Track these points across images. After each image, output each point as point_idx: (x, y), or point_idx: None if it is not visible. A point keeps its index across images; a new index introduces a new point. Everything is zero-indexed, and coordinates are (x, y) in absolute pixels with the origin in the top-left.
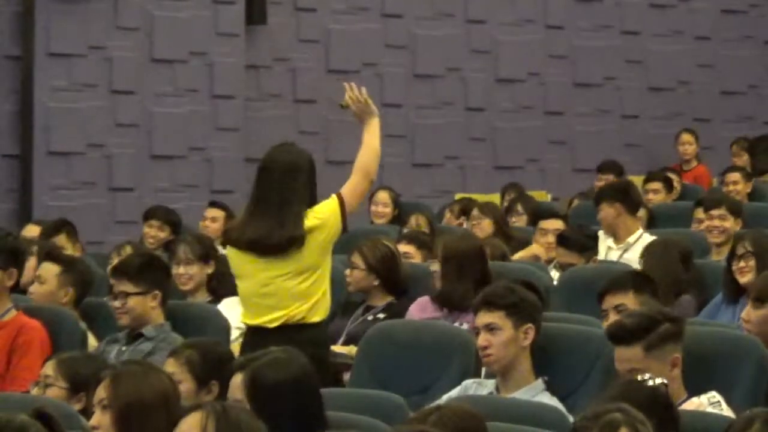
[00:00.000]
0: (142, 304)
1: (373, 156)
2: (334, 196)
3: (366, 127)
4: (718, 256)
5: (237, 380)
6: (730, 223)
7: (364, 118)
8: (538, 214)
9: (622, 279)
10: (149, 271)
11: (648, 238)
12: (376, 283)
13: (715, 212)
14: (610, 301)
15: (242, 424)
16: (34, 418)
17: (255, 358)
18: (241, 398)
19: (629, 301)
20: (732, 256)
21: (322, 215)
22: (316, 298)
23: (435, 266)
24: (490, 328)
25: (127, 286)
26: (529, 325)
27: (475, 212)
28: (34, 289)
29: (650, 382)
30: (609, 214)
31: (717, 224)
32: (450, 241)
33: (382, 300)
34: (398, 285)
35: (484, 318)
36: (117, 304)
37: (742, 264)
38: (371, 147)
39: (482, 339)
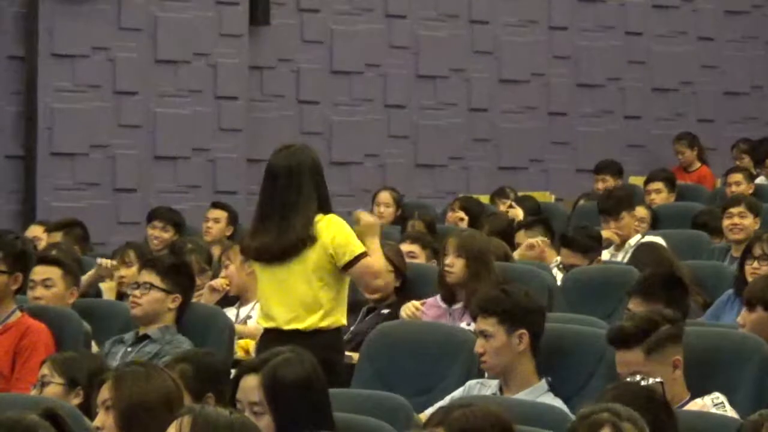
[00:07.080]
0: (161, 302)
1: (382, 261)
2: (363, 250)
3: (369, 246)
4: (738, 253)
5: (251, 382)
6: (750, 221)
7: (365, 239)
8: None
9: (653, 284)
10: (178, 274)
11: (648, 239)
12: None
13: (734, 210)
14: (637, 305)
15: (219, 421)
16: (44, 419)
17: (266, 359)
18: (257, 400)
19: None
20: (746, 254)
21: (339, 239)
22: (327, 306)
23: (449, 260)
24: (485, 335)
25: (155, 279)
26: (523, 330)
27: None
28: (41, 293)
29: (643, 383)
30: (629, 224)
31: (737, 222)
32: (469, 238)
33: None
34: (401, 283)
35: (479, 324)
36: (137, 293)
37: (755, 265)
38: (379, 254)
39: (478, 345)
